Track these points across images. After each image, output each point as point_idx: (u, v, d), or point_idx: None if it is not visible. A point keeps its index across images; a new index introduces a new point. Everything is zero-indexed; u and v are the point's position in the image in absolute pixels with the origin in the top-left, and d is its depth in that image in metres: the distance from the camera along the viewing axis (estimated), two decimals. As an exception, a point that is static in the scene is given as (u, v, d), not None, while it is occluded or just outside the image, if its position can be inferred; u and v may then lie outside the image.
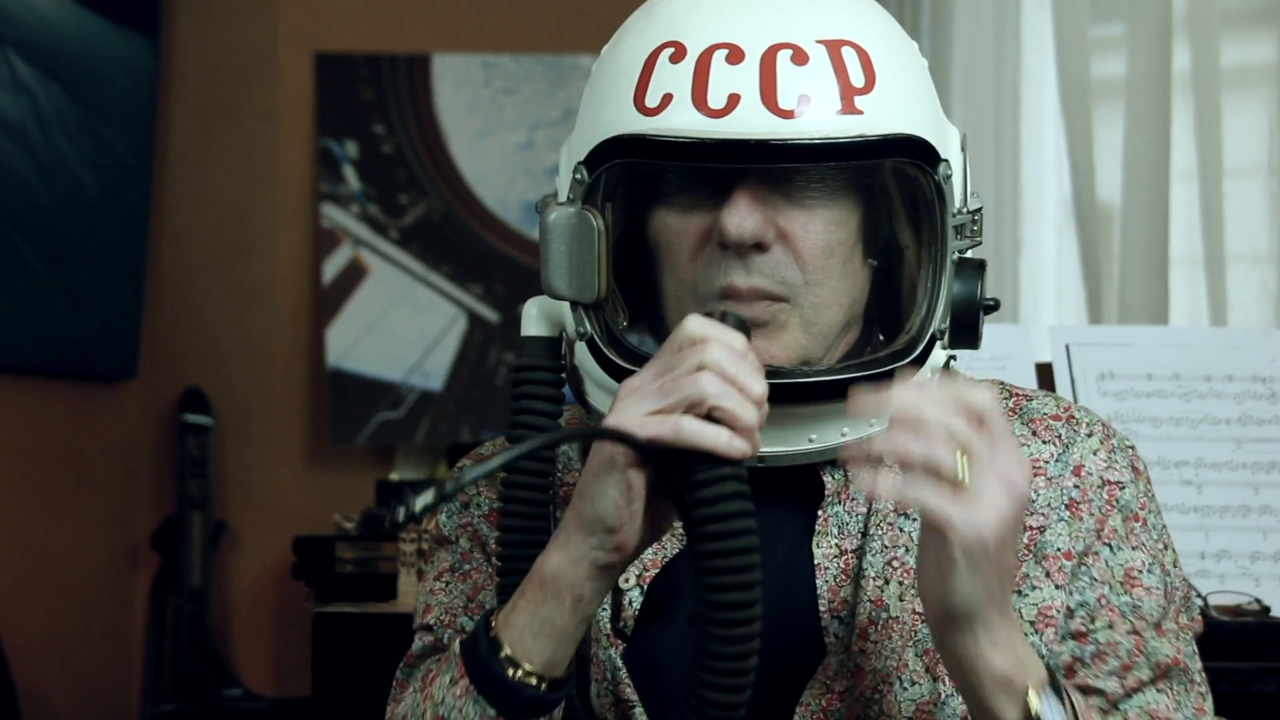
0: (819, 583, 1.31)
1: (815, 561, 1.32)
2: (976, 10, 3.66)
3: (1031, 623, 1.30)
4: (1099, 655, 1.30)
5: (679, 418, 1.14)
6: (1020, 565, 1.30)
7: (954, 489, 1.14)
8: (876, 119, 1.25)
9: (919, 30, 3.78)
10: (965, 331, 1.32)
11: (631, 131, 1.26)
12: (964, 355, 1.36)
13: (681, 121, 1.24)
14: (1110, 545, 1.33)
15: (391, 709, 1.36)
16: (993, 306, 1.33)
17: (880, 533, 1.33)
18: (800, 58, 1.24)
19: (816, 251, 1.27)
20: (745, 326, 1.21)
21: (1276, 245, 2.98)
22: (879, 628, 1.30)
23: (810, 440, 1.29)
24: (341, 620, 2.52)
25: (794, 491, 1.34)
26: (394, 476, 4.30)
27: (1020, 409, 1.39)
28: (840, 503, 1.34)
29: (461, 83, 4.45)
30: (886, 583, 1.31)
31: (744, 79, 1.24)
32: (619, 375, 1.27)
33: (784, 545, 1.33)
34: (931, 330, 1.30)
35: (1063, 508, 1.33)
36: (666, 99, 1.25)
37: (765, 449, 1.26)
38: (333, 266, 4.34)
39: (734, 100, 1.23)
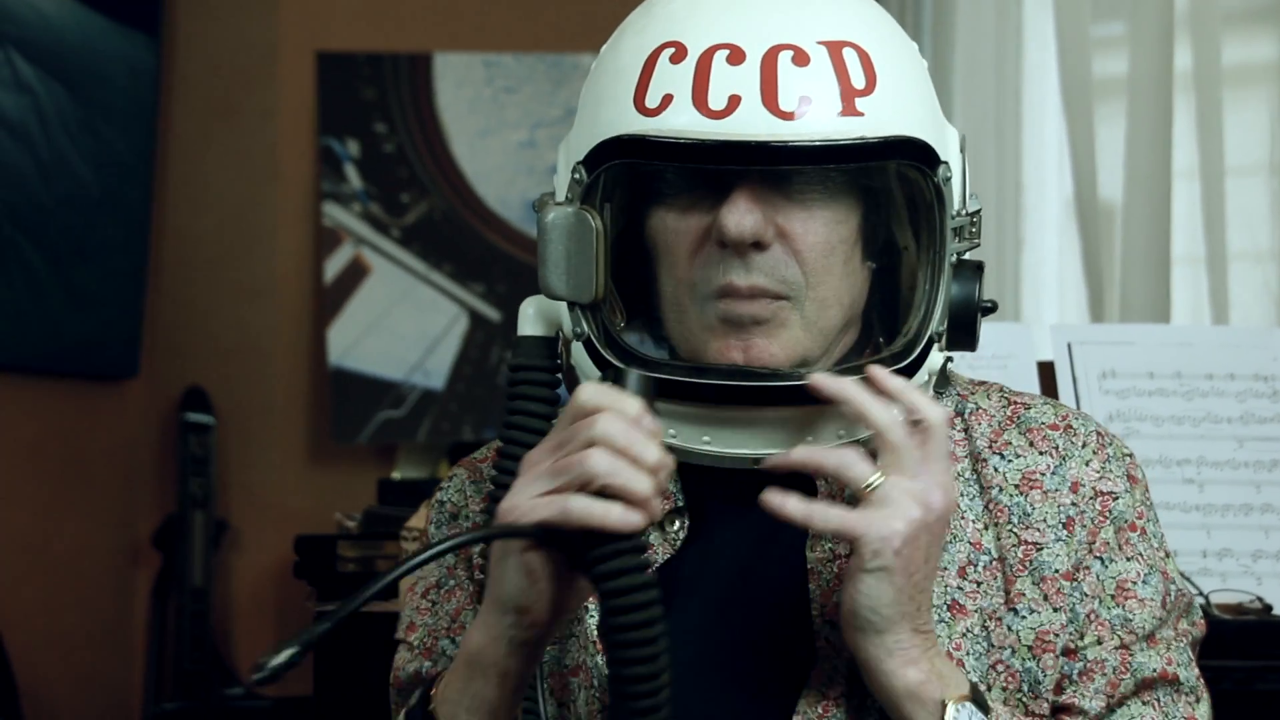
0: (812, 587, 1.30)
1: (808, 565, 1.31)
2: (978, 9, 3.66)
3: (1029, 647, 1.29)
4: (1086, 673, 1.30)
5: (567, 498, 1.14)
6: (1015, 582, 1.30)
7: (864, 497, 1.19)
8: (877, 121, 1.24)
9: (920, 30, 3.78)
10: (963, 333, 1.31)
11: (631, 132, 1.25)
12: (966, 355, 1.35)
13: (682, 122, 1.23)
14: (1102, 559, 1.32)
15: None
16: (990, 308, 1.32)
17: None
18: (801, 59, 1.23)
19: (816, 250, 1.26)
20: (647, 384, 1.20)
21: (1278, 244, 2.98)
22: None
23: (806, 443, 1.28)
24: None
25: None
26: (395, 475, 4.30)
27: (1018, 417, 1.37)
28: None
29: (463, 82, 4.44)
30: None
31: (745, 80, 1.23)
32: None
33: (777, 549, 1.32)
34: (929, 332, 1.29)
35: (1060, 526, 1.32)
36: (667, 99, 1.24)
37: (761, 451, 1.26)
38: (334, 265, 4.34)
39: (734, 101, 1.23)
